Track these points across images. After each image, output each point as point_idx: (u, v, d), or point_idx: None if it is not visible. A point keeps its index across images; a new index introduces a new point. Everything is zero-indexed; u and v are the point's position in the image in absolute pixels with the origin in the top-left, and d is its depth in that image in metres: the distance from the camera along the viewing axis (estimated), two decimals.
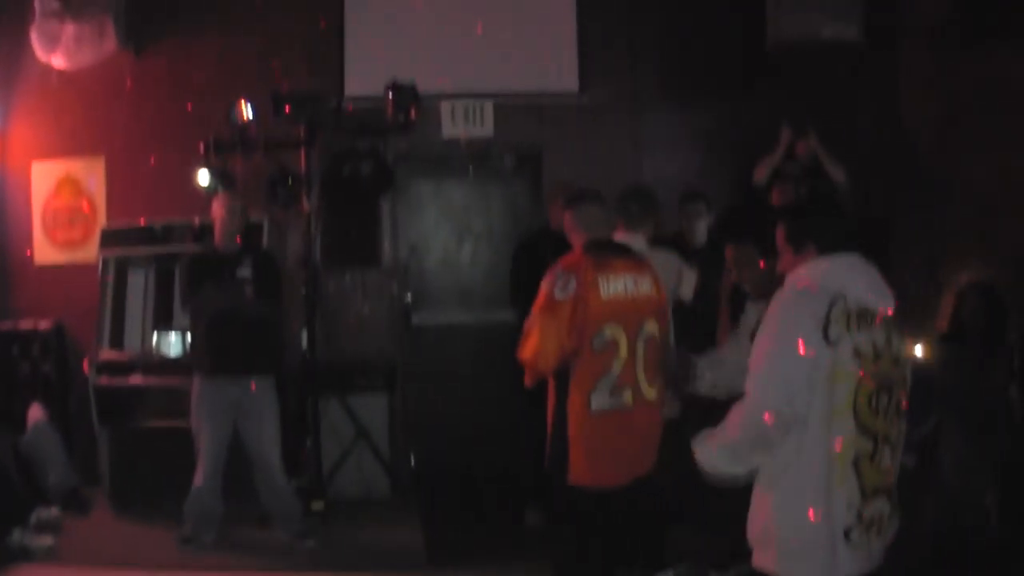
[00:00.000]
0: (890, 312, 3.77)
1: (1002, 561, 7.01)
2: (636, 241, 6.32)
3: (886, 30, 9.69)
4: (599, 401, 5.31)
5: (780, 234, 3.98)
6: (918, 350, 8.31)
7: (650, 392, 5.45)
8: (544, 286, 5.39)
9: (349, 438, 9.02)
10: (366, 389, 9.25)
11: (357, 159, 8.72)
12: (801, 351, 3.63)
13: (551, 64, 9.85)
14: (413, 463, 9.32)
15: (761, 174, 8.68)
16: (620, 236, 6.13)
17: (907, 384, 3.79)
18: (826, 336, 3.62)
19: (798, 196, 7.77)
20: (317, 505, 8.24)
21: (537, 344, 5.30)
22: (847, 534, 3.63)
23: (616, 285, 5.37)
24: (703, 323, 7.53)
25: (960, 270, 8.51)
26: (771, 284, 4.77)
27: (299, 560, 7.66)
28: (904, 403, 3.75)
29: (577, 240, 5.63)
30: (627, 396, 5.36)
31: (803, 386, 3.62)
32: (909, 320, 4.07)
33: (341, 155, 8.74)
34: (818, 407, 3.63)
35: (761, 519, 3.83)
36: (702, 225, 8.32)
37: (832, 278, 3.75)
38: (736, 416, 3.81)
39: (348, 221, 9.63)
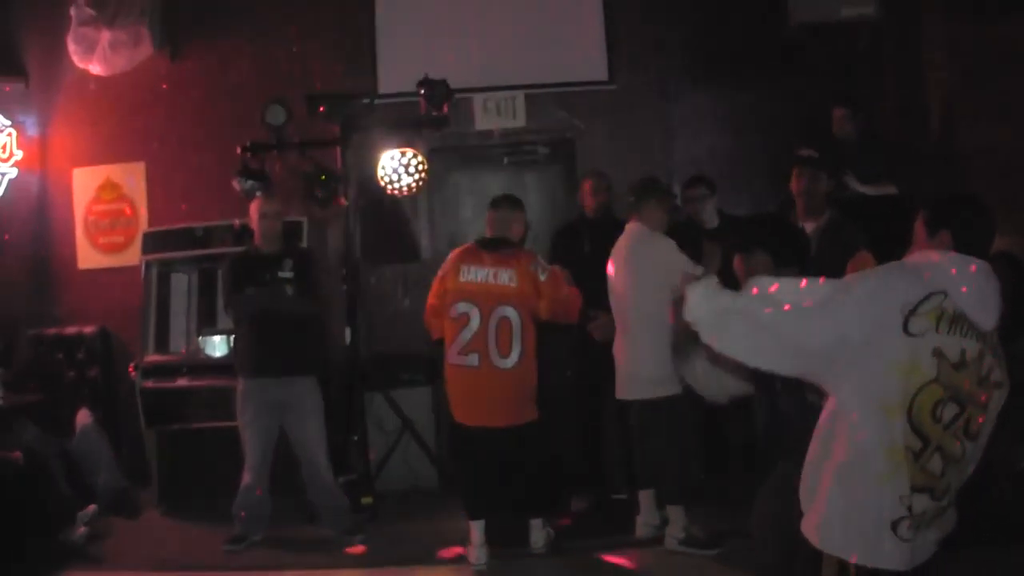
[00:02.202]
0: (993, 334, 3.59)
1: None
2: (638, 227, 7.34)
3: (904, 4, 9.68)
4: (452, 358, 7.22)
5: (921, 215, 3.82)
6: None
7: (500, 360, 7.05)
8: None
9: (395, 432, 9.10)
10: (410, 382, 9.33)
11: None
12: (872, 323, 3.48)
13: (580, 54, 9.88)
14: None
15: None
16: (629, 224, 7.40)
17: (992, 412, 3.62)
18: (906, 325, 3.45)
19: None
20: (366, 500, 8.30)
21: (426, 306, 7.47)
22: (895, 526, 3.54)
23: (475, 273, 7.17)
24: None
25: None
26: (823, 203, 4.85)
27: (350, 556, 7.71)
28: (980, 427, 3.59)
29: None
30: (473, 359, 7.08)
31: (859, 358, 3.50)
32: None
33: (376, 152, 8.79)
34: (873, 392, 3.51)
35: (817, 491, 3.73)
36: (708, 208, 8.39)
37: (943, 273, 3.57)
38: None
39: (385, 216, 9.70)
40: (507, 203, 7.50)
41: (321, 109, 8.47)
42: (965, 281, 3.54)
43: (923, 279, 3.54)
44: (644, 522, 7.47)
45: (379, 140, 8.77)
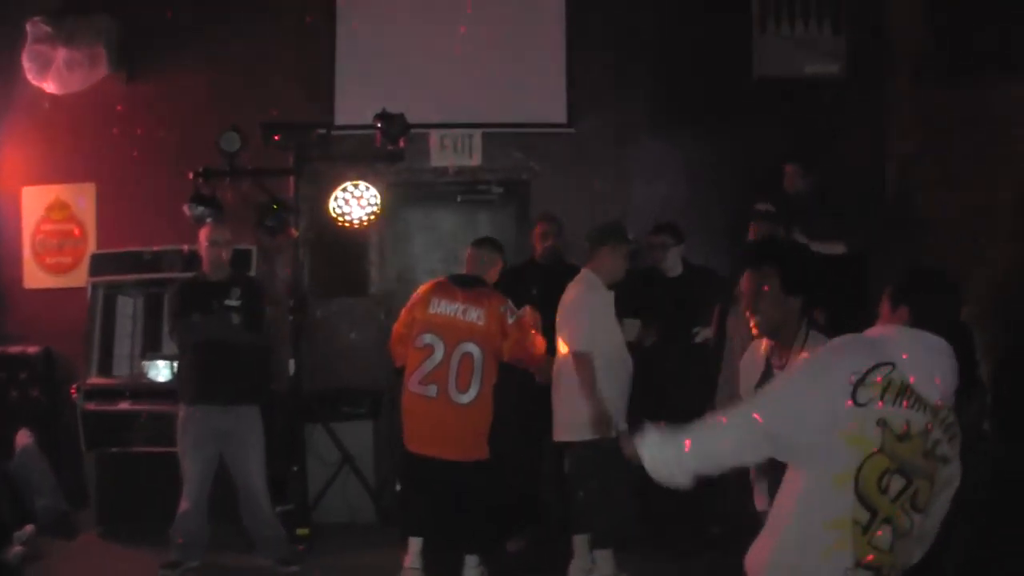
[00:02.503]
0: (943, 411, 3.61)
1: None
2: (586, 274, 7.37)
3: (870, 66, 9.79)
4: (412, 386, 7.31)
5: (886, 289, 3.86)
6: None
7: (458, 395, 7.19)
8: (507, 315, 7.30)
9: (334, 464, 9.07)
10: (352, 416, 9.32)
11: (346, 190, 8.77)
12: (821, 394, 3.52)
13: (539, 96, 9.94)
14: (399, 489, 9.35)
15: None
16: (582, 270, 7.43)
17: (939, 486, 3.63)
18: (855, 394, 3.47)
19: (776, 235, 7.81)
20: (303, 531, 8.28)
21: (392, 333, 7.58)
22: None
23: (445, 307, 7.30)
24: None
25: None
26: (783, 326, 4.84)
27: None
28: (928, 500, 3.61)
29: None
30: (432, 389, 7.21)
31: (808, 428, 3.53)
32: None
33: (329, 184, 8.78)
34: (823, 462, 3.53)
35: (761, 559, 3.74)
36: (672, 256, 8.41)
37: (895, 346, 3.59)
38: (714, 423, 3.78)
39: (336, 249, 9.71)
40: (488, 245, 7.71)
41: (276, 138, 8.47)
42: (915, 355, 3.56)
43: (874, 350, 3.57)
44: (577, 567, 7.45)
45: (333, 172, 8.79)
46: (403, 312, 7.56)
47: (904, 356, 3.54)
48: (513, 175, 10.10)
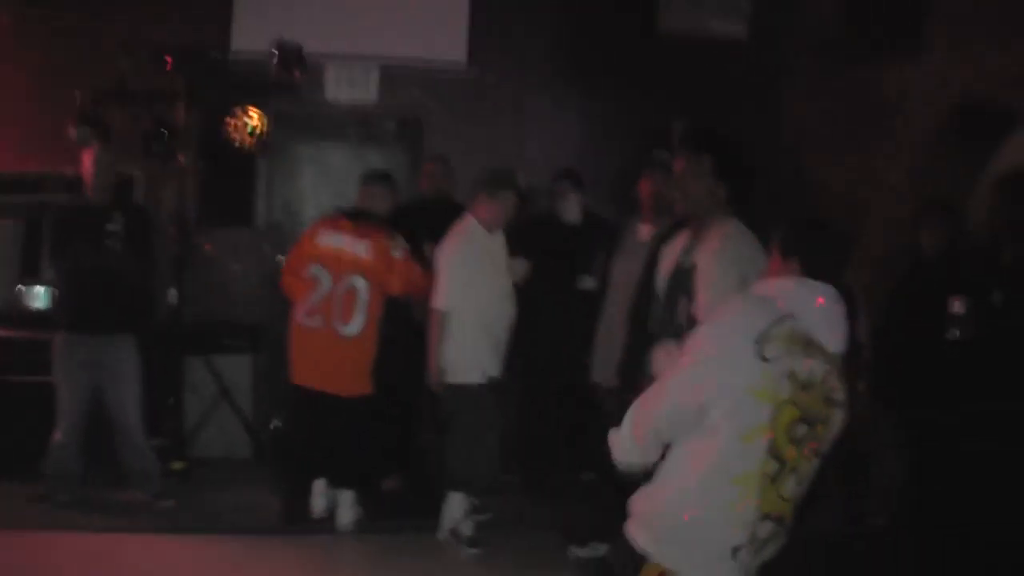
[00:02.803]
0: (837, 356, 3.68)
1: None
2: (467, 221, 7.28)
3: (772, 30, 9.85)
4: (299, 318, 7.39)
5: (775, 241, 3.90)
6: None
7: (342, 327, 7.26)
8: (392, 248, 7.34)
9: (212, 398, 8.95)
10: (231, 349, 9.23)
11: (237, 117, 8.62)
12: (730, 355, 3.56)
13: (441, 34, 9.80)
14: (276, 425, 9.27)
15: None
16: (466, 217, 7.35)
17: (832, 429, 3.68)
18: (761, 351, 3.52)
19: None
20: (177, 465, 8.23)
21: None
22: (735, 552, 3.57)
23: (332, 240, 7.34)
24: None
25: None
26: (706, 211, 4.93)
27: (157, 520, 7.59)
28: (821, 444, 3.66)
29: None
30: (317, 320, 7.29)
31: (719, 389, 3.56)
32: None
33: (220, 112, 8.60)
34: (735, 420, 3.54)
35: (656, 501, 3.74)
36: (572, 203, 8.38)
37: (792, 298, 3.66)
38: (644, 406, 3.82)
39: (223, 179, 9.54)
40: (379, 178, 7.77)
41: (168, 60, 8.24)
42: (812, 305, 3.63)
43: (773, 305, 3.62)
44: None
45: (225, 99, 8.59)
46: (295, 245, 7.66)
47: (802, 307, 3.61)
48: (408, 112, 10.02)
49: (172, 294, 8.42)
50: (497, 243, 7.30)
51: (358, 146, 10.09)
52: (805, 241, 3.80)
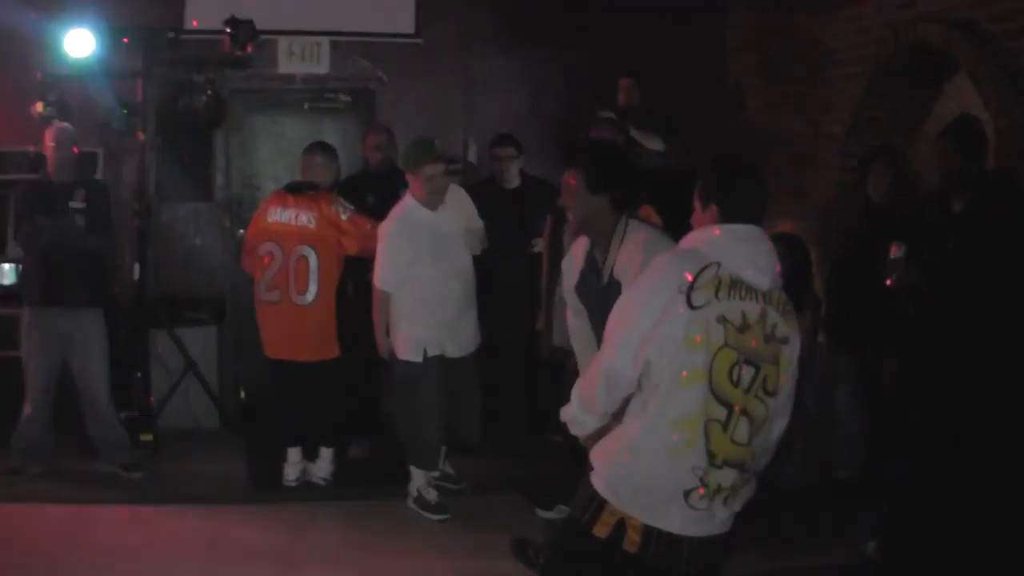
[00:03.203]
0: (773, 292, 3.73)
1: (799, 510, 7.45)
2: (406, 198, 7.27)
3: None
4: (259, 294, 7.63)
5: (697, 187, 3.93)
6: None
7: (298, 297, 7.46)
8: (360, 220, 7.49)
9: (178, 370, 9.01)
10: (196, 322, 9.30)
11: (193, 92, 8.67)
12: (660, 311, 3.60)
13: (389, 6, 9.93)
14: (243, 395, 9.40)
15: None
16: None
17: (784, 366, 3.76)
18: (689, 300, 3.57)
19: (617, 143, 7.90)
20: (146, 437, 8.26)
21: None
22: (686, 495, 3.63)
23: (279, 215, 7.52)
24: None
25: (773, 221, 8.92)
26: (593, 221, 5.11)
27: (127, 492, 7.68)
28: (778, 382, 3.73)
29: None
30: (275, 295, 7.50)
31: (655, 345, 3.61)
32: None
33: (177, 87, 8.68)
34: (672, 367, 3.61)
35: (609, 450, 3.82)
36: (513, 168, 8.54)
37: (715, 245, 3.70)
38: (591, 370, 3.89)
39: (182, 154, 9.62)
40: (317, 149, 7.85)
41: (125, 40, 8.30)
42: (736, 247, 3.69)
43: (698, 254, 3.69)
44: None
45: (181, 76, 8.66)
46: (250, 223, 7.87)
47: (726, 252, 3.66)
48: (360, 84, 10.10)
49: (135, 268, 8.46)
50: (444, 219, 7.18)
51: (313, 118, 10.17)
52: (720, 187, 3.83)
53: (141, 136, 8.47)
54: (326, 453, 7.75)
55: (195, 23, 9.31)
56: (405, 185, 7.43)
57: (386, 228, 7.13)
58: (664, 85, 9.38)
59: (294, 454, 7.72)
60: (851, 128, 8.36)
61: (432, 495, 7.34)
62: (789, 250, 7.88)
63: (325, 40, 9.83)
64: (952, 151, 5.90)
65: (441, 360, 7.16)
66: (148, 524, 7.16)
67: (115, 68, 8.45)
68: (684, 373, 3.58)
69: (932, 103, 8.25)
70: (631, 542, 3.69)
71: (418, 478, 7.35)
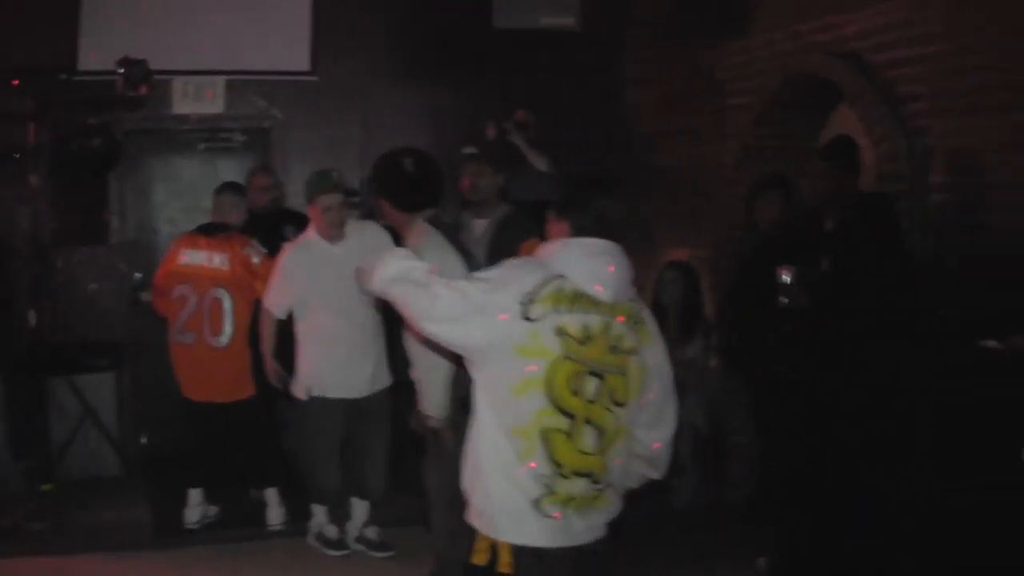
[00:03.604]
0: (620, 305, 3.84)
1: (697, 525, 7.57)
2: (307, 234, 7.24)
3: (607, 19, 10.12)
4: (173, 335, 7.58)
5: (552, 204, 4.08)
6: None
7: (213, 339, 7.44)
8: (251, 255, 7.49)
9: (77, 418, 8.87)
10: (94, 368, 9.12)
11: (86, 135, 8.59)
12: (495, 317, 3.70)
13: (284, 44, 9.86)
14: (144, 440, 9.28)
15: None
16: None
17: (634, 377, 3.85)
18: (527, 312, 3.67)
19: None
20: (46, 486, 8.16)
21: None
22: (536, 504, 3.71)
23: (192, 257, 7.48)
24: None
25: (668, 248, 9.08)
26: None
27: (29, 543, 7.51)
28: (627, 393, 3.81)
29: None
30: (190, 336, 7.46)
31: (490, 354, 3.74)
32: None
33: (70, 130, 8.59)
34: (507, 377, 3.71)
35: (467, 474, 3.90)
36: None
37: (560, 259, 3.81)
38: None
39: (76, 198, 9.47)
40: (228, 189, 7.83)
41: (15, 83, 8.21)
42: (581, 261, 3.80)
43: (542, 266, 3.81)
44: (354, 524, 7.53)
45: (75, 118, 8.56)
46: (160, 265, 7.77)
47: (570, 266, 3.78)
48: (255, 123, 10.05)
49: (31, 316, 8.35)
50: (345, 253, 6.94)
51: (208, 158, 10.10)
52: (572, 203, 3.97)
53: (34, 181, 8.34)
54: (272, 498, 7.75)
55: (92, 56, 9.17)
56: (293, 226, 7.59)
57: (283, 255, 7.10)
58: (562, 119, 9.47)
59: (196, 496, 7.70)
60: (742, 157, 8.51)
61: (332, 531, 7.35)
62: (681, 277, 8.08)
63: (220, 79, 9.75)
64: (826, 170, 6.03)
65: (338, 402, 7.10)
66: (52, 575, 7.07)
67: (5, 111, 8.34)
68: (519, 382, 3.68)
69: (819, 131, 8.42)
70: (504, 564, 3.76)
71: (319, 514, 7.37)
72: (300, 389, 7.12)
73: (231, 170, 9.84)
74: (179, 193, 9.97)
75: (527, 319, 3.67)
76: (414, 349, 5.33)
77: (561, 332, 3.69)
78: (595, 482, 3.78)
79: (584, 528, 3.80)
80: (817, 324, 5.97)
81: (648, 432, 3.97)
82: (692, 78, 9.18)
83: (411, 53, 10.03)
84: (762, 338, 6.91)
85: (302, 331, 7.11)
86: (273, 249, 7.41)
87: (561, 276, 3.75)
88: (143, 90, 8.41)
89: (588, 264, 3.80)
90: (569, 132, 9.58)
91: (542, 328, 3.67)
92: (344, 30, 9.96)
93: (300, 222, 7.73)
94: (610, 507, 3.89)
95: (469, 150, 7.88)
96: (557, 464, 3.70)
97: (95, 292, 9.63)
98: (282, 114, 10.01)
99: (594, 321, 3.74)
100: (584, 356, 3.72)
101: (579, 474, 3.74)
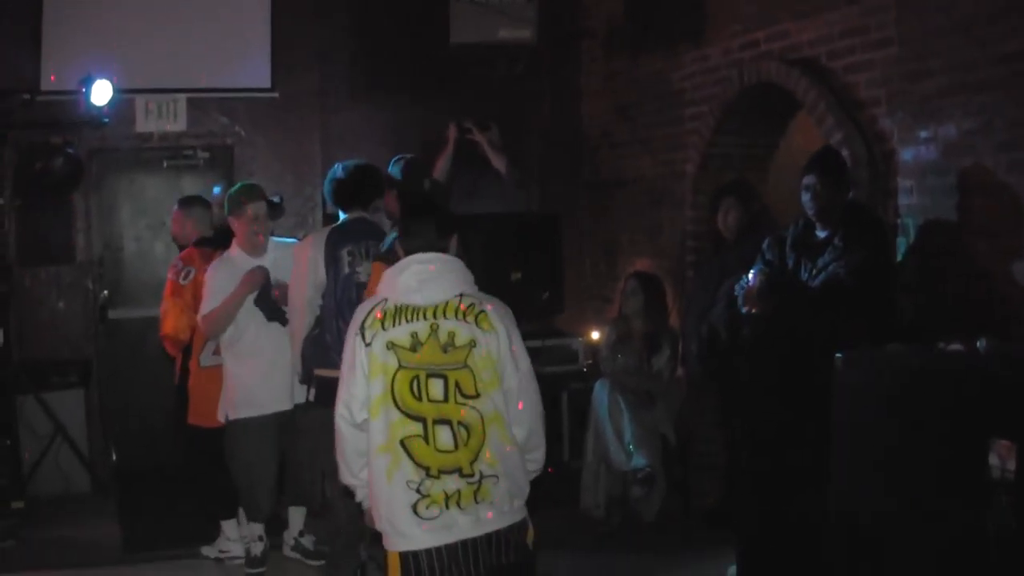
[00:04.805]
0: (446, 304, 4.11)
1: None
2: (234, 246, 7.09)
3: (562, 32, 10.24)
4: (205, 360, 7.10)
5: None
6: (594, 334, 8.97)
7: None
8: (170, 275, 7.25)
9: (47, 436, 8.92)
10: (62, 386, 9.18)
11: (49, 154, 8.64)
12: (351, 355, 4.10)
13: (245, 61, 9.95)
14: (114, 457, 9.30)
15: (438, 169, 8.38)
16: None
17: (480, 367, 4.04)
18: (363, 340, 4.05)
19: None
20: (17, 504, 8.14)
21: (174, 321, 7.13)
22: (415, 509, 3.90)
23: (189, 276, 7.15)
24: None
25: (631, 259, 9.16)
26: None
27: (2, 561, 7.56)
28: (475, 384, 4.03)
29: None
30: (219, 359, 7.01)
31: (353, 388, 4.08)
32: (586, 309, 4.44)
33: (33, 150, 8.63)
34: (364, 399, 4.03)
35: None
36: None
37: (385, 283, 4.21)
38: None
39: (41, 217, 9.51)
40: (203, 202, 7.82)
41: None
42: (401, 278, 4.15)
43: (374, 296, 4.24)
44: (290, 534, 7.52)
45: (38, 138, 8.61)
46: (183, 296, 7.22)
47: (390, 287, 4.16)
48: (218, 140, 10.13)
49: None
50: (268, 266, 6.95)
51: (172, 176, 10.15)
52: (400, 231, 4.46)
53: None
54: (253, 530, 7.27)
55: (52, 78, 9.21)
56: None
57: (209, 273, 6.94)
58: (519, 131, 9.58)
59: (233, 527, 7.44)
60: (702, 166, 8.56)
61: (259, 548, 7.10)
62: (644, 288, 8.15)
63: (182, 97, 9.81)
64: (817, 182, 6.08)
65: (275, 416, 6.97)
66: None
67: None
68: (372, 403, 4.00)
69: (779, 138, 8.52)
70: (393, 573, 3.98)
71: (256, 529, 7.13)
72: (231, 410, 6.91)
73: (194, 187, 9.86)
74: (143, 211, 10.02)
75: (366, 344, 4.05)
76: None
77: (391, 346, 4.02)
78: (465, 475, 3.95)
79: (470, 522, 3.94)
80: (782, 331, 6.03)
81: (511, 420, 4.13)
82: (649, 88, 9.27)
83: (370, 68, 10.12)
84: (725, 346, 6.99)
85: (229, 350, 6.93)
86: None
87: (384, 298, 4.14)
88: (105, 109, 8.45)
89: (400, 280, 4.14)
90: (527, 144, 9.70)
91: (376, 348, 4.03)
92: (303, 46, 10.07)
93: None
94: (497, 497, 4.00)
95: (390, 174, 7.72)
96: (423, 468, 3.93)
97: (62, 310, 9.67)
98: (244, 131, 10.08)
99: (420, 327, 4.05)
100: (421, 361, 4.01)
101: (446, 472, 3.93)
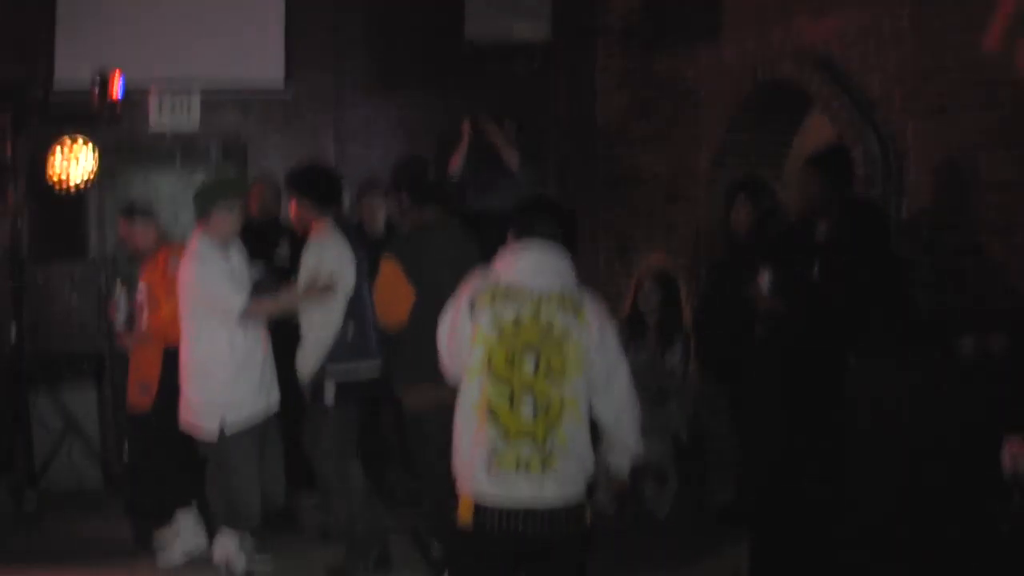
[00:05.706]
0: (551, 293, 4.42)
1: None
2: (199, 239, 6.84)
3: (578, 29, 10.22)
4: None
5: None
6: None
7: None
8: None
9: (60, 431, 8.93)
10: (75, 381, 9.21)
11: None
12: (454, 319, 4.50)
13: (258, 58, 9.98)
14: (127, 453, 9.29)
15: (455, 165, 8.57)
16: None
17: (570, 354, 4.36)
18: (471, 311, 4.42)
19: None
20: (29, 499, 8.19)
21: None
22: (488, 467, 4.28)
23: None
24: None
25: (645, 256, 9.14)
26: None
27: (11, 555, 7.54)
28: (564, 367, 4.34)
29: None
30: None
31: (455, 345, 4.51)
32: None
33: (47, 145, 8.64)
34: (466, 363, 4.42)
35: (453, 448, 4.50)
36: (380, 216, 8.48)
37: (500, 263, 4.57)
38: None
39: (56, 213, 9.54)
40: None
41: None
42: (516, 261, 4.53)
43: (490, 272, 4.58)
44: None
45: (52, 133, 8.63)
46: None
47: (505, 267, 4.54)
48: (231, 137, 10.15)
49: (12, 329, 8.39)
50: (237, 262, 6.87)
51: (186, 172, 10.16)
52: (517, 218, 4.68)
53: (12, 196, 8.39)
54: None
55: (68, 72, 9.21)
56: (283, 234, 7.68)
57: (201, 261, 6.70)
58: (535, 127, 9.56)
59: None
60: (715, 163, 8.57)
61: (243, 561, 6.91)
62: (659, 285, 8.12)
63: (196, 95, 9.84)
64: (818, 177, 6.07)
65: (261, 423, 6.81)
66: None
67: None
68: (472, 367, 4.39)
69: (793, 136, 8.50)
70: (464, 515, 4.34)
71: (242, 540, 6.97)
72: (216, 422, 6.65)
73: None
74: (157, 206, 9.92)
75: (473, 315, 4.42)
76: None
77: (496, 321, 4.37)
78: (536, 442, 4.30)
79: (535, 488, 4.29)
80: (794, 330, 6.02)
81: (585, 401, 4.44)
82: (665, 85, 9.26)
83: (384, 65, 10.13)
84: (737, 344, 6.97)
85: (206, 355, 6.65)
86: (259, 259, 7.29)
87: (497, 277, 4.50)
88: (119, 104, 8.45)
89: (522, 263, 4.50)
90: (542, 141, 9.68)
91: (482, 321, 4.39)
92: (317, 43, 10.09)
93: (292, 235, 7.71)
94: (561, 478, 4.33)
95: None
96: (504, 430, 4.30)
97: (75, 306, 9.71)
98: (256, 128, 10.09)
99: (525, 308, 4.38)
100: (521, 337, 4.36)
101: (521, 438, 4.29)
